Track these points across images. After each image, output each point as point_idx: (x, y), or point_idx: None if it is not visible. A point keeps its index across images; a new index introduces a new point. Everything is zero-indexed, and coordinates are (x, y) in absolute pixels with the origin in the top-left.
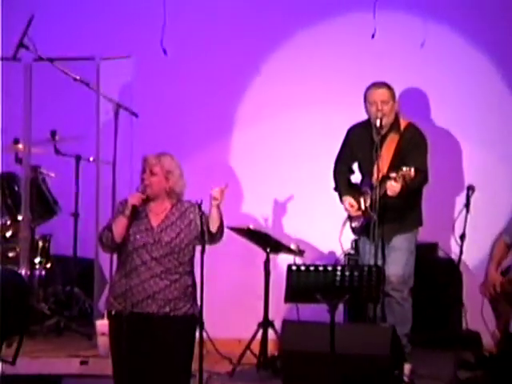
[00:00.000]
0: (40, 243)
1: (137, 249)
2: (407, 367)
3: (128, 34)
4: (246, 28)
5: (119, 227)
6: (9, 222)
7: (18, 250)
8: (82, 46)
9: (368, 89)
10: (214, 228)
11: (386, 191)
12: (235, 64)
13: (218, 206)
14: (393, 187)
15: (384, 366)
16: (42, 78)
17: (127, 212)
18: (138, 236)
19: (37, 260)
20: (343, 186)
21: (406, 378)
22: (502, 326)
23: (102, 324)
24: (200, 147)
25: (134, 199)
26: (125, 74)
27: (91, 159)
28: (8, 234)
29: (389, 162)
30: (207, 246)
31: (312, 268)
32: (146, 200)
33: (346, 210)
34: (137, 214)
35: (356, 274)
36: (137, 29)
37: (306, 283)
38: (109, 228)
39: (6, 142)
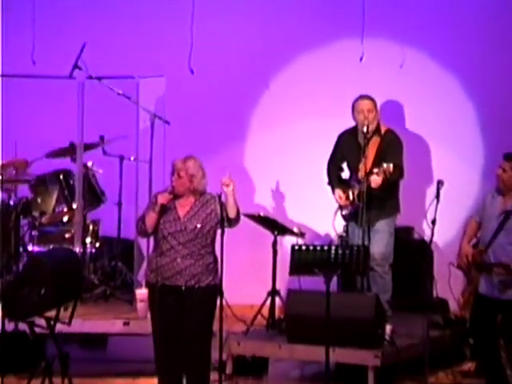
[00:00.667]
0: (90, 226)
1: (166, 236)
2: (388, 327)
3: (162, 58)
4: (256, 52)
5: (150, 221)
6: (65, 210)
7: (72, 232)
8: (125, 67)
9: (356, 100)
10: (232, 214)
11: (370, 184)
12: (248, 82)
13: (232, 194)
14: (375, 180)
15: (369, 327)
16: (93, 92)
17: (157, 209)
18: (167, 225)
19: (88, 240)
20: (335, 181)
21: (387, 337)
22: (473, 290)
23: (141, 293)
24: (220, 149)
25: (163, 199)
26: (159, 90)
27: (132, 159)
28: (65, 219)
29: (372, 160)
30: (226, 230)
31: (311, 247)
32: (174, 197)
33: (337, 200)
34: (166, 208)
35: (347, 252)
36: (169, 53)
37: (306, 259)
38: (142, 220)
39: (63, 145)
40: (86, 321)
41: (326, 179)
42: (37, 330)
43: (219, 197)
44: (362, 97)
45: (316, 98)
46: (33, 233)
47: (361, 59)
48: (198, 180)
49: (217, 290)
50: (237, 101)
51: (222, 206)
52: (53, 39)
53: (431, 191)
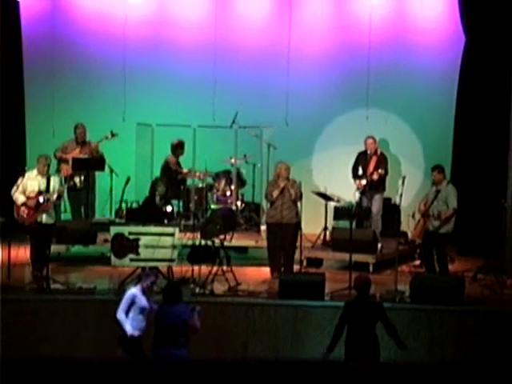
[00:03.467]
0: (239, 196)
1: (276, 199)
2: (379, 245)
3: (272, 114)
4: (319, 113)
5: (275, 194)
6: (228, 188)
7: (231, 199)
8: (253, 119)
9: (366, 138)
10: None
11: (372, 178)
12: (313, 129)
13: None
14: (375, 177)
15: (370, 244)
16: (240, 133)
17: (280, 188)
18: (276, 192)
19: (238, 203)
20: (355, 176)
21: (378, 249)
22: (423, 227)
23: (262, 228)
24: (301, 159)
25: (283, 184)
26: (271, 132)
27: (259, 165)
28: (228, 193)
29: (373, 167)
30: (304, 198)
31: (344, 207)
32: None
33: (357, 185)
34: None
35: (360, 210)
36: (276, 112)
37: (341, 212)
38: (271, 194)
39: (225, 158)
40: (237, 240)
41: (351, 175)
42: (215, 244)
43: (294, 181)
44: (368, 137)
45: (346, 136)
46: (213, 199)
47: (367, 118)
48: (290, 171)
49: (299, 225)
50: (307, 138)
51: (298, 189)
52: (227, 106)
53: (399, 181)
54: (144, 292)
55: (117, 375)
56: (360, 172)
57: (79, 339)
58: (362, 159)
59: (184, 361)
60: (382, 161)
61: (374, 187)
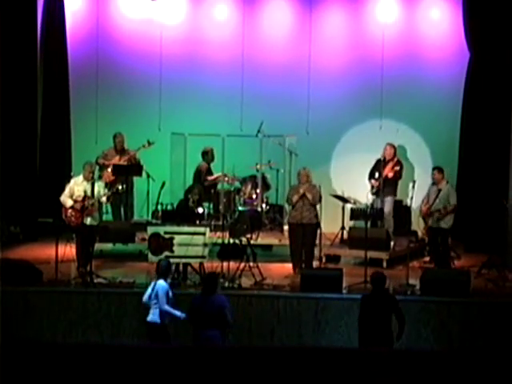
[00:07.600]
0: (264, 199)
1: (296, 201)
2: (392, 242)
3: (294, 124)
4: (335, 124)
5: (296, 199)
6: (254, 192)
7: (257, 201)
8: (277, 129)
9: (386, 145)
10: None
11: (387, 176)
12: (332, 137)
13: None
14: (391, 174)
15: (384, 242)
16: (264, 143)
17: (300, 195)
18: (296, 196)
19: (263, 205)
20: (372, 177)
21: (391, 246)
22: (428, 226)
23: (286, 228)
24: (320, 164)
25: (302, 190)
26: (293, 141)
27: (282, 171)
28: (254, 196)
29: (389, 170)
30: (324, 200)
31: (360, 208)
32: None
33: (372, 184)
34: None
35: (373, 211)
36: (297, 122)
37: (357, 213)
38: (291, 199)
39: (251, 164)
40: (263, 238)
41: (367, 178)
42: (243, 242)
43: (314, 185)
44: (387, 144)
45: (361, 144)
46: (241, 202)
47: (380, 127)
48: (311, 176)
49: (318, 224)
50: (326, 146)
51: (318, 191)
52: (253, 117)
53: (410, 185)
54: (170, 284)
55: (156, 360)
56: (376, 176)
57: (122, 327)
58: (379, 165)
59: (219, 347)
60: (398, 165)
61: (387, 189)
